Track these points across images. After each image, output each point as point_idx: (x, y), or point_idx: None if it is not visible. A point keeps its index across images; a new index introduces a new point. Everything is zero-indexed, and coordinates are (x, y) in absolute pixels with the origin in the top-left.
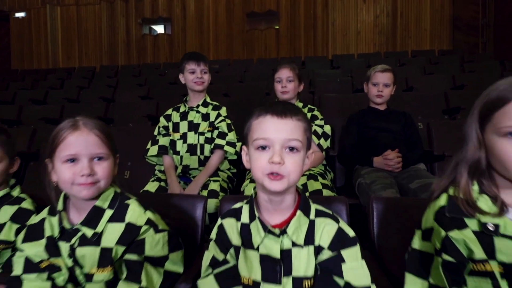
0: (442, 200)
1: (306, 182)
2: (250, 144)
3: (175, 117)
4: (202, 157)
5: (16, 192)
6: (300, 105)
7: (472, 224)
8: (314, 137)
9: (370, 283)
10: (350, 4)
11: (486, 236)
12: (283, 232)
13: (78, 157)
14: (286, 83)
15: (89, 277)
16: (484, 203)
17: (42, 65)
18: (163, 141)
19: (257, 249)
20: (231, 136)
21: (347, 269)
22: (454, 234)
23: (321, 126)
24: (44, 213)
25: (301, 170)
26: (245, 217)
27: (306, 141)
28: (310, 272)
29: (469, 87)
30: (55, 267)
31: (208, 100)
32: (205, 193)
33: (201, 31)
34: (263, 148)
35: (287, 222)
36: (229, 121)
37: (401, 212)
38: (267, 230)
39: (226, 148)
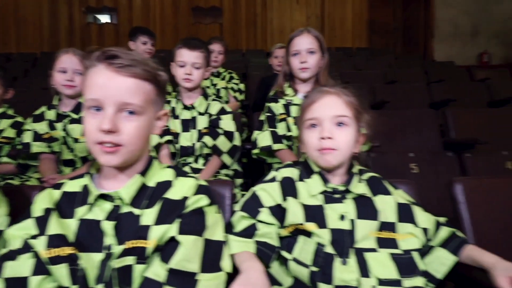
0: (271, 93)
1: None
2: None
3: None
4: None
5: (11, 111)
6: (223, 70)
7: (282, 101)
8: (231, 91)
9: None
10: (286, 6)
11: (287, 106)
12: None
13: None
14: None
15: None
16: (289, 91)
17: None
18: None
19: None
20: None
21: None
22: (272, 105)
23: (237, 84)
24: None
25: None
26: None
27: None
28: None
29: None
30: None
31: None
32: None
33: (147, 23)
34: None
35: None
36: None
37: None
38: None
39: None
